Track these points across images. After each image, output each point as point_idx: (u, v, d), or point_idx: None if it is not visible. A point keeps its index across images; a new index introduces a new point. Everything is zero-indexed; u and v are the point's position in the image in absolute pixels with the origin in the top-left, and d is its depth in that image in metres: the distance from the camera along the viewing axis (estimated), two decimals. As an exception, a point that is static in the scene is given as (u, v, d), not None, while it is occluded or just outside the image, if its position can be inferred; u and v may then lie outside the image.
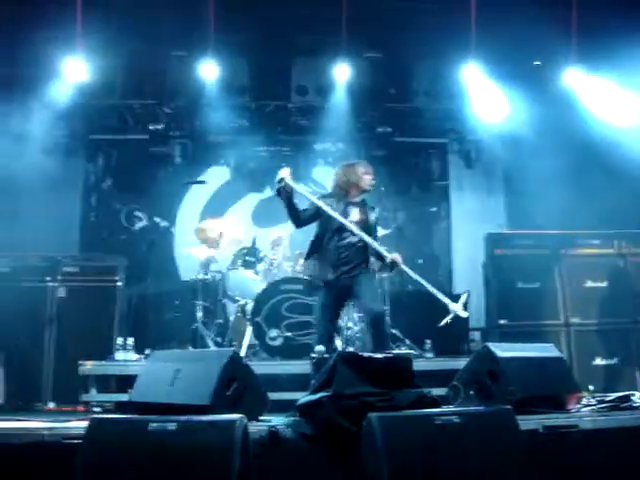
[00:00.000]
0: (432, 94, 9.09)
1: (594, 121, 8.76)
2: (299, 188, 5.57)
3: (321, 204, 5.51)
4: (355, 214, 5.63)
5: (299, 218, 5.57)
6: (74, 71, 7.73)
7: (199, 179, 7.73)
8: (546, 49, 8.33)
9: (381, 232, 6.40)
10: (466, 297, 5.45)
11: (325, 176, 6.22)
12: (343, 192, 5.71)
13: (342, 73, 8.85)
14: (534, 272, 7.52)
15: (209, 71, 8.52)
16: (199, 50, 8.30)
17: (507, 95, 8.85)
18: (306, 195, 5.62)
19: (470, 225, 9.10)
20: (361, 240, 5.51)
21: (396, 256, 5.52)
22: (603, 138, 8.43)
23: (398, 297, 7.89)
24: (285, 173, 5.41)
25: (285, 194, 5.41)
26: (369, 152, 9.07)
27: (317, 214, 5.60)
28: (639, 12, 7.61)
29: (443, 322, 5.35)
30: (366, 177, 5.71)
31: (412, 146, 9.54)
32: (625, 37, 7.63)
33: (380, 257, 5.57)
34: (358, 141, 9.15)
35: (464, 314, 5.38)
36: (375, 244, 5.50)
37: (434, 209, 9.46)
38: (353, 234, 5.48)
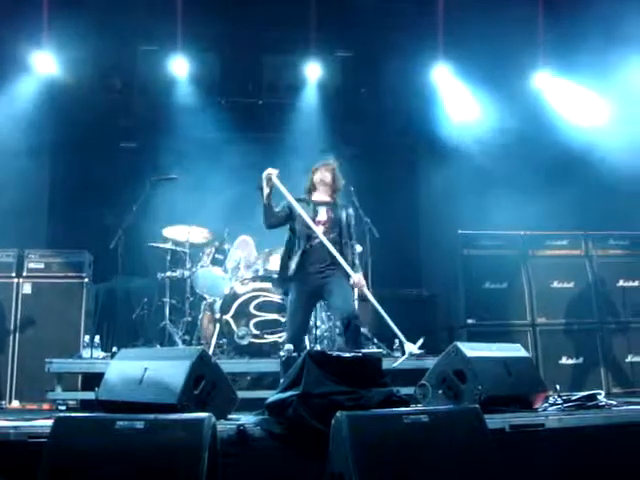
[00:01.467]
0: (402, 94, 9.13)
1: (563, 123, 8.88)
2: (283, 189, 5.53)
3: (299, 209, 5.50)
4: (323, 214, 5.62)
5: (272, 218, 5.57)
6: (42, 65, 7.64)
7: (168, 175, 7.65)
8: (515, 52, 8.41)
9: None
10: (422, 341, 5.44)
11: (295, 174, 6.18)
12: (310, 194, 5.73)
13: (313, 71, 8.89)
14: (502, 272, 7.59)
15: (179, 67, 8.49)
16: (169, 45, 8.26)
17: (477, 96, 8.94)
18: (287, 197, 5.56)
19: (440, 225, 9.13)
20: (334, 240, 5.51)
21: (358, 280, 5.50)
22: (572, 140, 8.53)
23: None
24: (273, 172, 5.43)
25: (267, 192, 5.42)
26: (340, 150, 9.06)
27: (289, 217, 5.60)
28: (604, 17, 7.70)
29: (397, 363, 5.40)
30: (319, 174, 5.72)
31: (383, 145, 9.55)
32: (591, 41, 7.73)
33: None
34: (329, 139, 9.13)
35: (417, 352, 5.38)
36: (340, 258, 5.44)
37: (404, 208, 9.49)
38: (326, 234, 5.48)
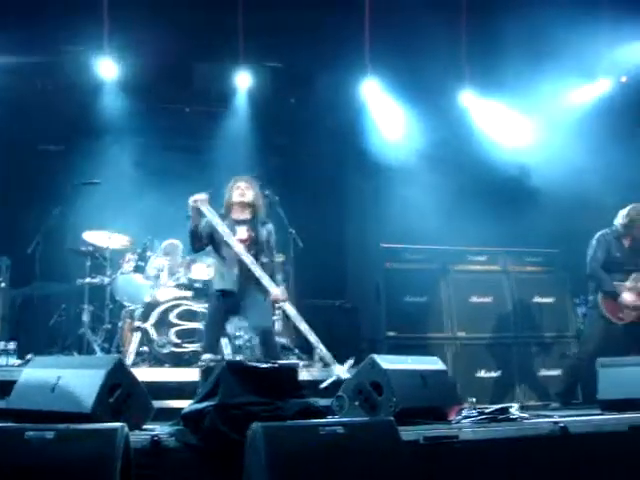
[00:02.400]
0: (332, 106, 9.21)
1: (487, 141, 9.11)
2: (210, 216, 5.48)
3: (223, 229, 5.46)
4: (242, 232, 5.60)
5: (199, 242, 5.57)
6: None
7: (91, 180, 7.51)
8: (441, 70, 8.59)
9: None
10: (351, 363, 5.45)
11: (221, 185, 6.15)
12: (227, 211, 5.70)
13: (243, 80, 8.88)
14: (423, 286, 7.66)
15: (107, 69, 8.36)
16: (97, 47, 8.13)
17: (405, 112, 9.09)
18: (214, 221, 5.49)
19: (365, 237, 9.22)
20: (256, 256, 5.50)
21: (277, 294, 5.49)
22: (495, 158, 8.76)
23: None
24: (201, 197, 5.41)
25: (196, 219, 5.41)
26: (267, 161, 9.07)
27: (212, 235, 5.58)
28: (527, 38, 7.94)
29: (324, 384, 5.34)
30: (235, 192, 5.69)
31: (311, 156, 9.60)
32: (514, 61, 7.97)
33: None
34: (256, 149, 9.13)
35: (346, 376, 5.28)
36: (259, 273, 5.43)
37: (330, 219, 9.55)
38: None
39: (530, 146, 8.87)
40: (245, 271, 5.47)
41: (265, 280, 5.44)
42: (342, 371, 5.37)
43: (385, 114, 9.20)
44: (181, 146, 9.29)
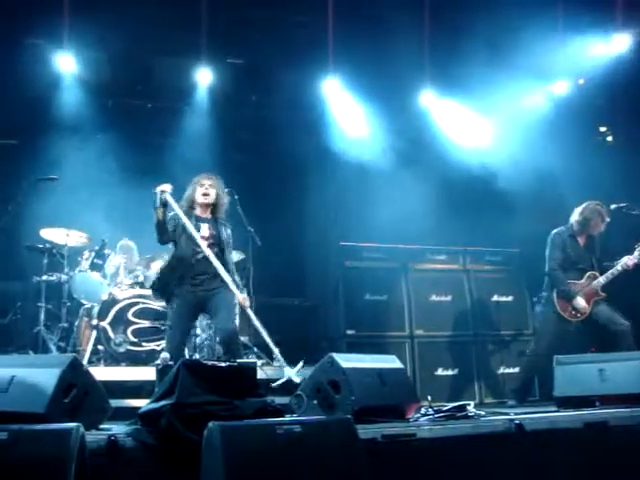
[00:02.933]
0: (294, 104, 9.20)
1: (447, 141, 9.19)
2: (175, 206, 5.45)
3: (189, 225, 5.43)
4: (205, 230, 5.59)
5: (166, 235, 5.50)
6: None
7: (49, 175, 7.38)
8: (403, 71, 8.64)
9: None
10: (301, 365, 5.49)
11: (181, 182, 6.09)
12: (192, 208, 5.67)
13: (204, 76, 8.82)
14: (383, 284, 7.69)
15: (66, 63, 8.24)
16: (55, 40, 8.01)
17: (367, 111, 9.12)
18: (179, 213, 5.47)
19: (325, 236, 9.23)
20: (217, 255, 5.49)
21: (243, 300, 5.55)
22: (454, 158, 8.83)
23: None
24: (166, 188, 5.36)
25: (162, 210, 5.34)
26: (228, 158, 9.02)
27: (175, 230, 5.54)
28: (487, 41, 8.02)
29: (275, 384, 5.39)
30: (199, 190, 5.66)
31: (272, 154, 9.57)
32: (475, 64, 8.04)
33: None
34: (217, 146, 9.07)
35: (297, 379, 5.35)
36: (227, 278, 5.43)
37: (290, 218, 9.53)
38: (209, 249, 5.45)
39: (490, 147, 8.97)
40: (209, 269, 5.46)
41: (229, 281, 5.44)
42: (292, 373, 5.42)
43: (347, 112, 9.22)
44: (142, 142, 9.17)
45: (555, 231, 6.87)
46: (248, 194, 6.94)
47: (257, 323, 5.58)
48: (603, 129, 9.66)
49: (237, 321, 7.01)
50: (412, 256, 7.96)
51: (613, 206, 6.71)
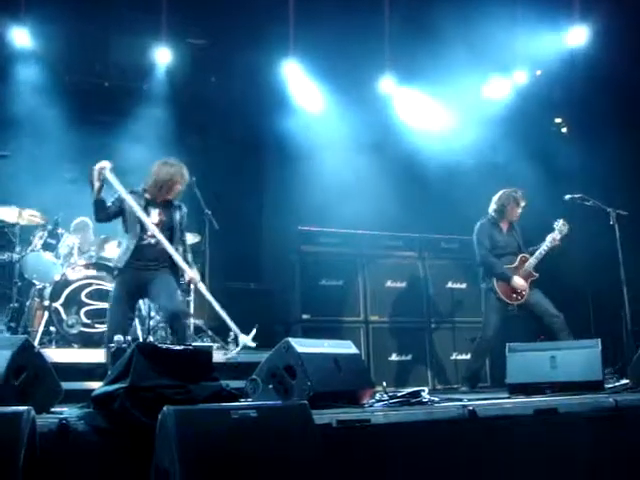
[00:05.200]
0: (253, 87, 9.14)
1: (405, 128, 9.22)
2: (116, 184, 5.36)
3: (134, 205, 5.36)
4: (155, 215, 5.51)
5: (103, 212, 5.41)
6: None
7: (1, 152, 7.21)
8: (363, 57, 8.64)
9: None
10: (255, 331, 5.55)
11: (137, 162, 6.00)
12: (145, 191, 5.57)
13: (163, 56, 8.70)
14: (339, 270, 7.72)
15: (20, 38, 8.06)
16: (10, 14, 7.82)
17: (326, 96, 9.11)
18: (120, 192, 5.38)
19: (283, 220, 9.21)
20: (168, 238, 5.44)
21: (193, 275, 5.51)
22: (412, 145, 8.88)
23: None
24: (106, 164, 5.27)
25: (98, 186, 5.25)
26: (185, 140, 8.93)
27: (121, 211, 5.47)
28: (448, 29, 8.06)
29: (231, 354, 5.50)
30: (166, 177, 5.56)
31: (230, 137, 9.50)
32: (435, 52, 8.07)
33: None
34: (175, 127, 8.96)
35: (252, 344, 5.51)
36: (176, 256, 5.41)
37: (248, 201, 9.49)
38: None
39: (449, 135, 9.03)
40: (154, 252, 5.42)
41: (179, 259, 5.42)
42: (247, 340, 5.49)
43: (306, 97, 9.19)
44: (99, 121, 9.01)
45: (478, 223, 7.01)
46: (204, 176, 6.88)
47: (210, 297, 5.57)
48: (558, 120, 9.80)
49: (189, 304, 7.01)
50: (369, 242, 8.00)
51: (567, 197, 6.81)
